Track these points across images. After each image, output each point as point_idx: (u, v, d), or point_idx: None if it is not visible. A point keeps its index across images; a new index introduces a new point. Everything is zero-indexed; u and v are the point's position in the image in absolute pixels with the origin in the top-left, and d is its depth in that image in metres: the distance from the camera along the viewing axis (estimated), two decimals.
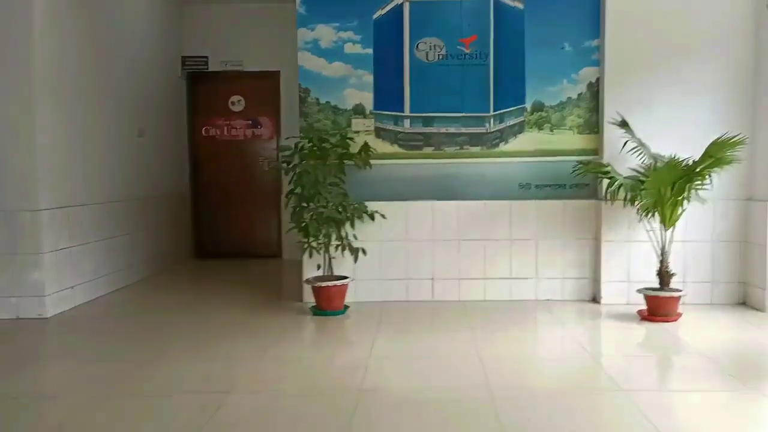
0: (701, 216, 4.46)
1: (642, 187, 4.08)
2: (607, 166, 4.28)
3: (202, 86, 7.87)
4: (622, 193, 4.17)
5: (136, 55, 6.41)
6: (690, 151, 4.46)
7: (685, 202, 4.17)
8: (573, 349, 3.75)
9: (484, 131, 5.00)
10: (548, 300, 4.91)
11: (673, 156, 4.43)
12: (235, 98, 7.86)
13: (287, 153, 4.74)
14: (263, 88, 7.83)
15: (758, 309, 4.44)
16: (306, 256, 4.79)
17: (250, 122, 7.87)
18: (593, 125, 4.89)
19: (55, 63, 4.89)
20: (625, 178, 4.17)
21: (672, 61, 4.64)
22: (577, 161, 4.72)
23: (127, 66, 6.16)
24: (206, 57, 7.69)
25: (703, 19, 4.62)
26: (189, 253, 7.76)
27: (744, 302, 4.65)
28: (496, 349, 3.71)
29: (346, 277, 4.76)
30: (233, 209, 7.89)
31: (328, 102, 5.11)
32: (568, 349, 3.75)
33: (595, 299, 4.85)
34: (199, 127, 7.87)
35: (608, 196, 4.21)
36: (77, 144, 5.22)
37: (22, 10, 4.57)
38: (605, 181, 4.44)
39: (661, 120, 4.64)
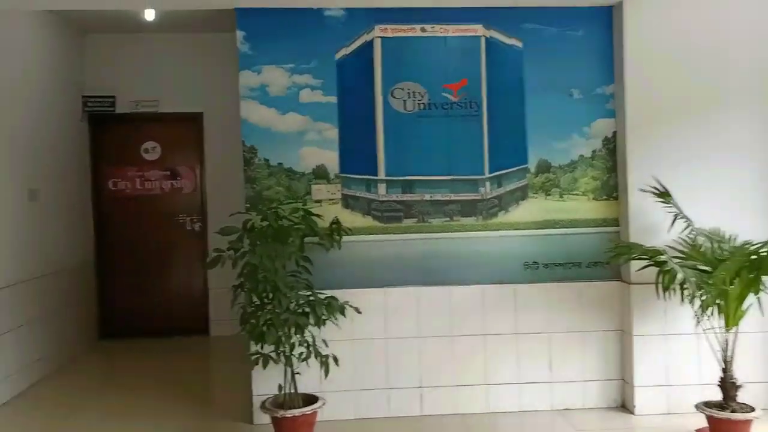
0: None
1: (708, 280, 3.21)
2: (662, 253, 3.37)
3: (108, 131, 6.52)
4: (675, 285, 3.26)
5: (24, 98, 5.04)
6: (730, 219, 3.71)
7: (752, 296, 3.33)
8: None
9: (479, 198, 4.03)
10: (567, 410, 3.95)
11: (717, 230, 3.64)
12: (148, 145, 6.57)
13: (233, 238, 3.57)
14: (182, 133, 6.61)
15: None
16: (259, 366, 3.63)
17: (168, 173, 6.59)
18: (612, 189, 4.03)
19: None
20: (682, 267, 3.25)
21: (706, 111, 3.85)
22: (613, 245, 3.81)
23: (11, 112, 4.79)
24: (113, 97, 6.36)
25: (743, 61, 3.87)
26: (94, 335, 6.30)
27: None
28: None
29: (316, 399, 3.62)
30: (147, 277, 6.55)
31: (280, 164, 4.00)
32: None
33: (625, 406, 3.94)
34: (105, 179, 6.49)
35: (663, 292, 3.28)
36: None
37: None
38: (635, 262, 3.58)
39: (695, 182, 3.83)
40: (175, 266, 6.57)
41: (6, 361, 4.51)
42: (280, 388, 3.57)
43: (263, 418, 3.72)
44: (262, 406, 3.60)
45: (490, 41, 4.03)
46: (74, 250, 5.89)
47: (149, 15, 5.61)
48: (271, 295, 3.54)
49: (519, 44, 4.04)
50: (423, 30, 4.04)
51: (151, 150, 6.58)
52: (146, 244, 6.53)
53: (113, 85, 6.34)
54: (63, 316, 5.50)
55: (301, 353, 3.59)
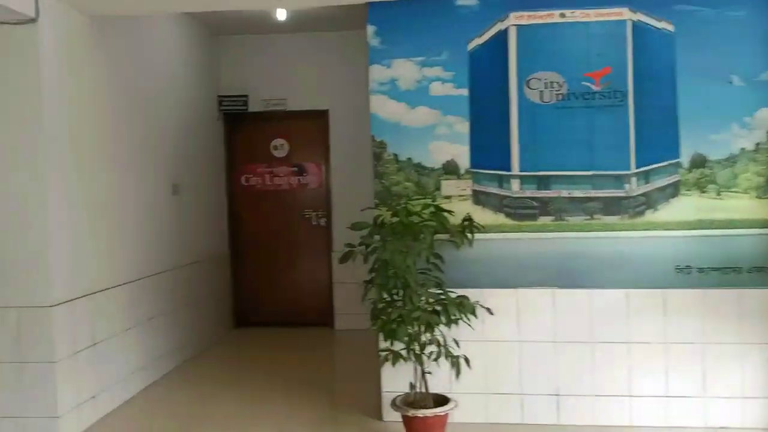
0: None
1: None
2: None
3: (241, 129, 6.78)
4: None
5: (168, 98, 5.37)
6: None
7: None
8: None
9: (624, 195, 3.74)
10: (723, 428, 3.58)
11: None
12: (277, 142, 6.76)
13: (364, 233, 3.54)
14: (309, 129, 6.73)
15: None
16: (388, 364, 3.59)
17: (295, 169, 6.75)
18: None
19: (70, 115, 3.87)
20: None
21: None
22: None
23: (157, 111, 5.13)
24: (246, 96, 6.59)
25: None
26: (229, 323, 6.61)
27: None
28: None
29: (447, 400, 3.52)
30: (276, 270, 6.75)
31: (409, 159, 3.93)
32: None
33: None
34: (238, 176, 6.76)
35: None
36: (100, 213, 4.19)
37: (28, 54, 3.58)
38: None
39: None
40: (301, 260, 6.72)
41: (156, 344, 4.85)
42: (411, 386, 3.51)
43: (392, 415, 3.68)
44: (393, 404, 3.55)
45: (637, 25, 3.73)
46: (211, 242, 6.19)
47: (281, 15, 5.74)
48: (401, 292, 3.48)
49: (670, 27, 3.69)
50: (562, 16, 3.81)
51: (280, 147, 6.75)
52: (275, 238, 6.73)
53: (245, 85, 6.58)
54: (203, 304, 5.83)
55: (431, 352, 3.51)
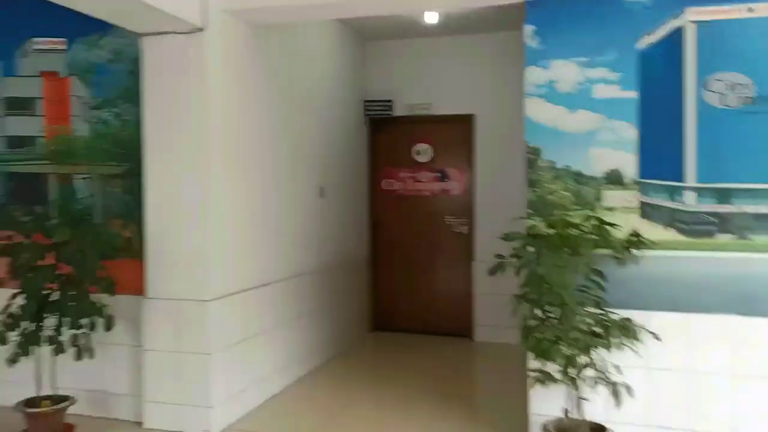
0: None
1: None
2: None
3: (384, 133, 6.80)
4: None
5: (318, 102, 5.50)
6: None
7: None
8: None
9: None
10: None
11: None
12: (420, 147, 6.70)
13: (516, 244, 3.34)
14: (453, 134, 6.60)
15: None
16: (538, 385, 3.36)
17: (438, 174, 6.65)
18: None
19: (234, 120, 4.06)
20: None
21: None
22: None
23: (309, 116, 5.26)
24: (390, 101, 6.61)
25: None
26: (368, 326, 6.66)
27: None
28: None
29: (604, 430, 3.23)
30: (415, 276, 6.71)
31: (567, 166, 3.66)
32: None
33: None
34: (379, 180, 6.79)
35: None
36: (256, 213, 4.35)
37: (197, 62, 3.80)
38: None
39: None
40: (441, 267, 6.62)
41: (301, 342, 4.99)
42: (566, 412, 3.26)
43: None
44: (544, 430, 3.31)
45: None
46: (353, 245, 6.27)
47: (430, 18, 5.67)
48: (556, 310, 3.24)
49: None
50: (750, 10, 3.37)
51: (423, 152, 6.69)
52: (414, 243, 6.68)
53: (390, 89, 6.59)
54: (344, 306, 5.92)
55: (588, 377, 3.23)
